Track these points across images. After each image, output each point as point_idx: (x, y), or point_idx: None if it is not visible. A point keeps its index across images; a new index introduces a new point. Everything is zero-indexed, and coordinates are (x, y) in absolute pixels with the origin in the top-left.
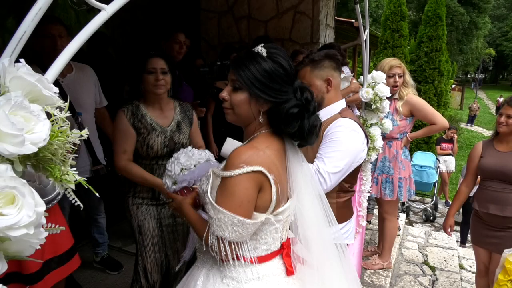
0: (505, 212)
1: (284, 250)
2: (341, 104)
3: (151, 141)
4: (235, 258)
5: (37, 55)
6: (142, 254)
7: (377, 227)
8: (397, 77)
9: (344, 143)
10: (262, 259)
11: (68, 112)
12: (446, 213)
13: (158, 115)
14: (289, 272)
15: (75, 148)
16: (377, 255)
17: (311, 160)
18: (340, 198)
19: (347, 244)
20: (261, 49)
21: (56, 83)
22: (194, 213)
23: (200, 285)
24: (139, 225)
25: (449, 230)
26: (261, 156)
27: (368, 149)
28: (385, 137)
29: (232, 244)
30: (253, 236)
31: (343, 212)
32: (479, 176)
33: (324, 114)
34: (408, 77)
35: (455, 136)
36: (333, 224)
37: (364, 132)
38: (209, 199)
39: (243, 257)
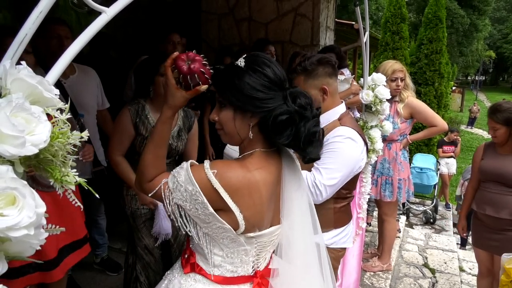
0: (500, 214)
1: (256, 279)
2: (340, 109)
3: None
4: (198, 271)
5: (40, 56)
6: (138, 237)
7: (377, 229)
8: (399, 81)
9: (342, 155)
10: (225, 281)
11: (69, 113)
12: (458, 215)
13: None
14: None
15: (76, 149)
16: (377, 257)
17: (308, 167)
18: (338, 204)
19: (346, 247)
20: (240, 61)
21: (59, 84)
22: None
23: None
24: (132, 212)
25: (461, 231)
26: (244, 179)
27: (368, 151)
28: (385, 139)
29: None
30: (218, 251)
31: (340, 217)
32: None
33: (323, 120)
34: (408, 80)
35: (459, 138)
36: (322, 258)
37: (364, 139)
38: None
39: (204, 271)
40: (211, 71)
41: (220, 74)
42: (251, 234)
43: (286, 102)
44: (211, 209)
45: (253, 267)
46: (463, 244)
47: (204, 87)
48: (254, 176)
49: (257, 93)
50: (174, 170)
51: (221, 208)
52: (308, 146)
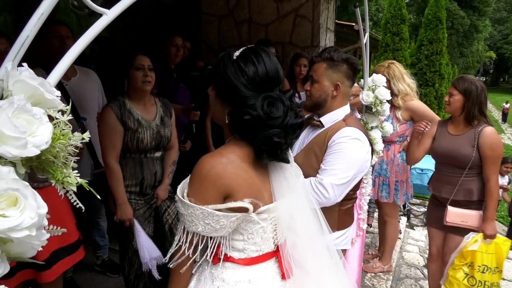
0: (455, 196)
1: (279, 253)
2: (345, 109)
3: (141, 135)
4: (225, 259)
5: (42, 58)
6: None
7: (378, 230)
8: None
9: (349, 155)
10: (253, 261)
11: (71, 115)
12: None
13: (142, 110)
14: (284, 275)
15: (77, 151)
16: (378, 258)
17: (315, 170)
18: (343, 206)
19: (346, 249)
20: (237, 52)
21: (60, 86)
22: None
23: (192, 287)
24: None
25: None
26: (223, 164)
27: None
28: (384, 140)
29: (211, 240)
30: (239, 236)
31: (344, 219)
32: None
33: (327, 120)
34: (394, 85)
35: None
36: (328, 232)
37: (369, 139)
38: (178, 196)
39: (232, 258)
40: None
41: (220, 57)
42: (262, 209)
43: (255, 105)
44: (217, 212)
45: (274, 242)
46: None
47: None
48: (229, 158)
49: (233, 86)
50: (182, 222)
51: (227, 195)
52: (264, 151)
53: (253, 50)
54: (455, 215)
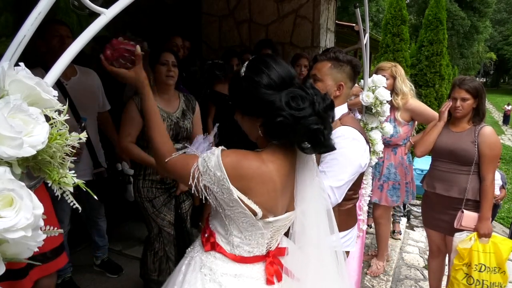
0: (450, 192)
1: (269, 259)
2: (342, 109)
3: None
4: (218, 249)
5: (42, 57)
6: (161, 218)
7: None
8: None
9: (345, 155)
10: (243, 260)
11: (67, 115)
12: None
13: (166, 103)
14: (269, 281)
15: (75, 151)
16: (376, 257)
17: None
18: (343, 206)
19: (349, 251)
20: (243, 69)
21: (61, 85)
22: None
23: (183, 271)
24: (150, 201)
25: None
26: (259, 169)
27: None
28: (390, 144)
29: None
30: (238, 233)
31: (345, 220)
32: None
33: None
34: (399, 83)
35: None
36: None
37: (366, 138)
38: (217, 151)
39: (224, 250)
40: (128, 41)
41: (231, 82)
42: (269, 219)
43: (281, 105)
44: (235, 195)
45: (266, 247)
46: None
47: (144, 45)
48: (267, 167)
49: (254, 98)
50: (205, 155)
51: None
52: (307, 143)
53: (256, 60)
54: (472, 219)
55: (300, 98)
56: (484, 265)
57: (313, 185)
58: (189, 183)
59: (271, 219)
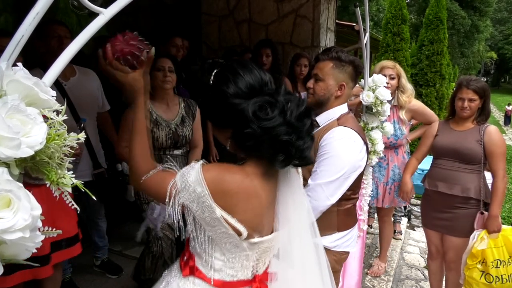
0: (452, 191)
1: (255, 284)
2: (341, 109)
3: (156, 134)
4: (197, 274)
5: (41, 58)
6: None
7: (378, 231)
8: (388, 78)
9: (337, 155)
10: (224, 285)
11: (66, 116)
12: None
13: (164, 109)
14: None
15: (73, 151)
16: (378, 257)
17: (311, 171)
18: (341, 206)
19: (349, 251)
20: (212, 76)
21: (59, 86)
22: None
23: None
24: (147, 200)
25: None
26: (243, 184)
27: (369, 153)
28: (394, 146)
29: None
30: (220, 255)
31: (344, 220)
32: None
33: (322, 119)
34: (404, 81)
35: None
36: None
37: (363, 138)
38: (197, 165)
39: (203, 275)
40: (142, 39)
41: (200, 92)
42: (254, 240)
43: (248, 115)
44: (218, 214)
45: (252, 271)
46: None
47: (152, 51)
48: (252, 181)
49: (220, 109)
50: (184, 169)
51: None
52: (278, 156)
53: (224, 67)
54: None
55: (269, 107)
56: (499, 260)
57: (296, 202)
58: (166, 200)
59: (256, 239)
